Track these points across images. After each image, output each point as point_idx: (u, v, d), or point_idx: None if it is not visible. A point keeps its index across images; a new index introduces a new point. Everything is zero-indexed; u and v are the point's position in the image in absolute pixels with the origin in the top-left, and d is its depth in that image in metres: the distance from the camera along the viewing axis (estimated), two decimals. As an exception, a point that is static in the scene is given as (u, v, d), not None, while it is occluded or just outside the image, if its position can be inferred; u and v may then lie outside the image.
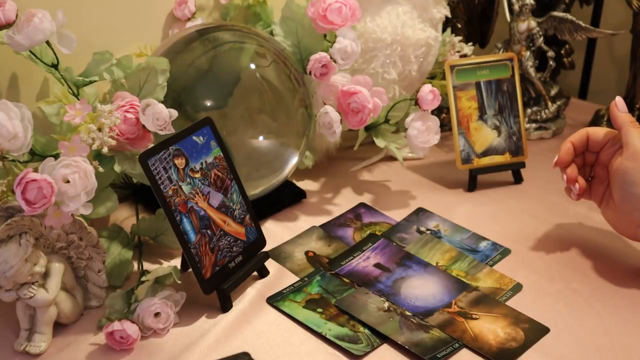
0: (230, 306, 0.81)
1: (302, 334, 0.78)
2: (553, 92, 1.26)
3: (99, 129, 0.76)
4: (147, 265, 0.87)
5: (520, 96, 1.05)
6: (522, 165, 1.06)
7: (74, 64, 0.86)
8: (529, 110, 1.21)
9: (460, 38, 1.17)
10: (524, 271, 0.87)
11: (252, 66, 0.93)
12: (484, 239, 0.93)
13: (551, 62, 1.18)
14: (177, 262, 0.89)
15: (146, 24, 1.02)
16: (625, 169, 0.81)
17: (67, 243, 0.79)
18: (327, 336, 0.77)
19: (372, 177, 1.10)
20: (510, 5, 1.17)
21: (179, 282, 0.79)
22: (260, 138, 0.92)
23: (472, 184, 1.05)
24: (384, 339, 0.77)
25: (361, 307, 0.81)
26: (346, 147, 1.13)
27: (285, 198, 1.02)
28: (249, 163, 0.91)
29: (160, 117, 0.77)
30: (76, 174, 0.71)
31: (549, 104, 1.22)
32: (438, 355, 0.74)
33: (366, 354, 0.75)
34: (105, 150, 0.75)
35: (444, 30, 1.15)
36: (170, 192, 0.76)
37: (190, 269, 0.82)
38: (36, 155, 0.79)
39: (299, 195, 1.03)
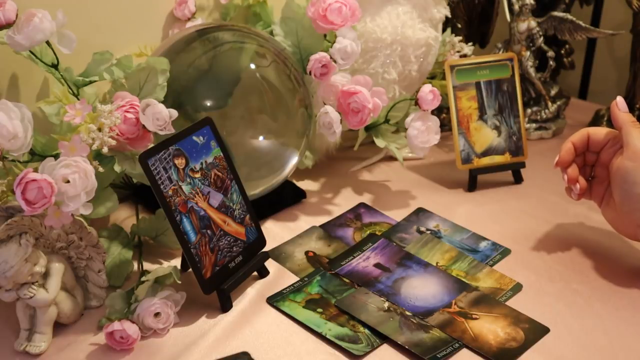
0: (230, 306, 0.81)
1: (302, 334, 0.78)
2: (553, 92, 1.26)
3: (99, 129, 0.75)
4: (147, 265, 0.87)
5: (520, 96, 1.05)
6: (522, 165, 1.06)
7: (74, 64, 0.86)
8: (529, 110, 1.21)
9: (460, 38, 1.17)
10: (524, 271, 0.87)
11: (252, 66, 0.92)
12: (484, 239, 0.93)
13: (551, 62, 1.19)
14: (177, 262, 0.89)
15: (146, 24, 1.02)
16: (625, 169, 0.81)
17: (67, 243, 0.79)
18: (327, 336, 0.77)
19: (372, 177, 1.10)
20: (510, 5, 1.17)
21: (179, 282, 0.79)
22: (260, 138, 0.92)
23: (472, 184, 1.05)
24: (384, 339, 0.77)
25: (361, 307, 0.81)
26: (346, 147, 1.13)
27: (285, 198, 1.02)
28: (249, 163, 0.91)
29: (160, 117, 0.77)
30: (76, 174, 0.71)
31: (549, 104, 1.22)
32: (438, 355, 0.74)
33: (366, 354, 0.75)
34: (105, 150, 0.75)
35: (444, 30, 1.15)
36: (170, 192, 0.76)
37: (190, 269, 0.82)
38: (36, 155, 0.79)
39: (299, 195, 1.03)
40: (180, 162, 0.77)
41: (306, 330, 0.78)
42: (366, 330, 0.78)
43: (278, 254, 0.91)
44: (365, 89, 0.92)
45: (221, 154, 0.82)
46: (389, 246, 0.91)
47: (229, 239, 0.81)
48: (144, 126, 0.78)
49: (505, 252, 0.91)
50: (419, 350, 0.74)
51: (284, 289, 0.84)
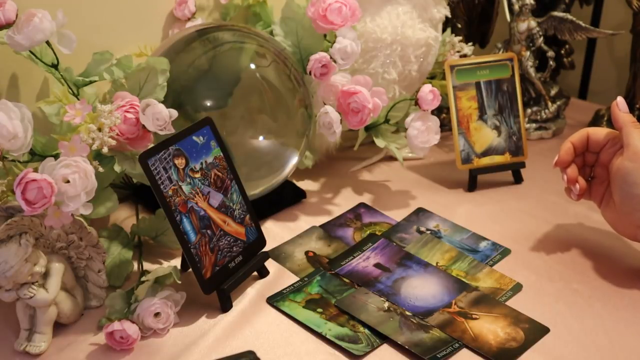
0: (230, 306, 0.81)
1: (302, 334, 0.78)
2: (553, 92, 1.26)
3: (99, 129, 0.75)
4: (147, 265, 0.87)
5: (520, 96, 1.05)
6: (522, 165, 1.06)
7: (74, 64, 0.86)
8: (529, 110, 1.21)
9: (460, 38, 1.17)
10: (524, 271, 0.87)
11: (252, 66, 0.92)
12: (484, 239, 0.93)
13: (551, 62, 1.19)
14: (177, 262, 0.89)
15: (146, 24, 1.02)
16: (625, 170, 0.81)
17: (67, 243, 0.79)
18: (327, 336, 0.77)
19: (372, 177, 1.10)
20: (510, 5, 1.17)
21: (179, 282, 0.79)
22: (260, 138, 0.92)
23: (472, 184, 1.05)
24: (384, 339, 0.77)
25: (361, 307, 0.81)
26: (346, 147, 1.13)
27: (285, 198, 1.02)
28: (249, 163, 0.91)
29: (160, 117, 0.77)
30: (76, 174, 0.71)
31: (549, 104, 1.22)
32: (438, 355, 0.74)
33: (366, 354, 0.75)
34: (105, 150, 0.75)
35: (444, 30, 1.15)
36: (170, 192, 0.76)
37: (190, 269, 0.82)
38: (36, 155, 0.79)
39: (299, 195, 1.03)
40: (180, 162, 0.77)
41: (306, 330, 0.78)
42: (366, 330, 0.78)
43: (278, 254, 0.91)
44: (365, 89, 0.92)
45: (221, 154, 0.82)
46: (389, 246, 0.91)
47: (229, 239, 0.81)
48: (144, 126, 0.78)
49: (505, 252, 0.91)
50: (419, 350, 0.74)
51: (284, 289, 0.84)
